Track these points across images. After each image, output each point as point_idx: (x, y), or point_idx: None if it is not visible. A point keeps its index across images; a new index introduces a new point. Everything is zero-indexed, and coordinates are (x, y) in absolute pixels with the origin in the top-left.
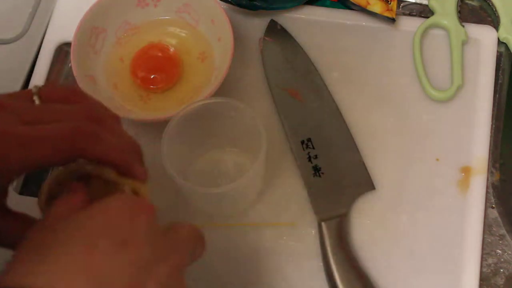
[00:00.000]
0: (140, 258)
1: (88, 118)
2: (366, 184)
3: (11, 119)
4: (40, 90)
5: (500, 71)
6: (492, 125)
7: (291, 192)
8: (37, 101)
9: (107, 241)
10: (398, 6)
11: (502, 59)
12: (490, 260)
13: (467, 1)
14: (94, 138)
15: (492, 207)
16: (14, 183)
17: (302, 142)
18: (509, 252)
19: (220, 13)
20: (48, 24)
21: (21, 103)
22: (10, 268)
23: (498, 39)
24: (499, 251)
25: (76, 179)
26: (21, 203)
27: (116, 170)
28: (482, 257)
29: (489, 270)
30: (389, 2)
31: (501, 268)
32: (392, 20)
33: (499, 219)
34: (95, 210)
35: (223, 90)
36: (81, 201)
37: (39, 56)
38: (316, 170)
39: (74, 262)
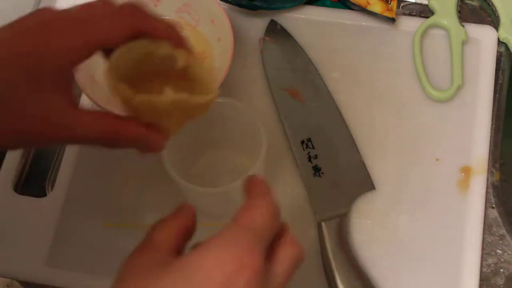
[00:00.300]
0: None
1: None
2: (366, 184)
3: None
4: None
5: (500, 71)
6: (492, 125)
7: (291, 192)
8: None
9: None
10: (398, 6)
11: (502, 59)
12: (490, 260)
13: (467, 1)
14: (147, 13)
15: (492, 207)
16: (15, 183)
17: (302, 142)
18: (509, 252)
19: (220, 13)
20: None
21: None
22: None
23: (498, 39)
24: (499, 251)
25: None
26: (21, 203)
27: (171, 42)
28: (482, 257)
29: (489, 270)
30: (389, 2)
31: (501, 268)
32: (392, 20)
33: (499, 219)
34: (191, 268)
35: (223, 90)
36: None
37: None
38: (316, 170)
39: None
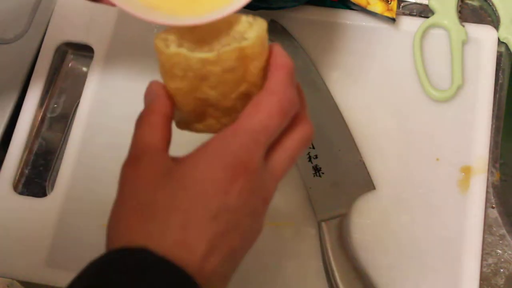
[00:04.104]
0: (229, 226)
1: None
2: (366, 184)
3: None
4: None
5: (500, 71)
6: (492, 125)
7: (291, 192)
8: None
9: (198, 216)
10: (398, 6)
11: (502, 59)
12: (490, 260)
13: (467, 1)
14: None
15: (492, 207)
16: (15, 183)
17: None
18: (509, 252)
19: None
20: (48, 24)
21: None
22: (118, 226)
23: (498, 39)
24: (499, 251)
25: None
26: (21, 203)
27: None
28: (482, 257)
29: (489, 270)
30: (389, 2)
31: (501, 268)
32: (392, 20)
33: (499, 219)
34: (188, 179)
35: None
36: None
37: (39, 56)
38: (316, 170)
39: (171, 232)
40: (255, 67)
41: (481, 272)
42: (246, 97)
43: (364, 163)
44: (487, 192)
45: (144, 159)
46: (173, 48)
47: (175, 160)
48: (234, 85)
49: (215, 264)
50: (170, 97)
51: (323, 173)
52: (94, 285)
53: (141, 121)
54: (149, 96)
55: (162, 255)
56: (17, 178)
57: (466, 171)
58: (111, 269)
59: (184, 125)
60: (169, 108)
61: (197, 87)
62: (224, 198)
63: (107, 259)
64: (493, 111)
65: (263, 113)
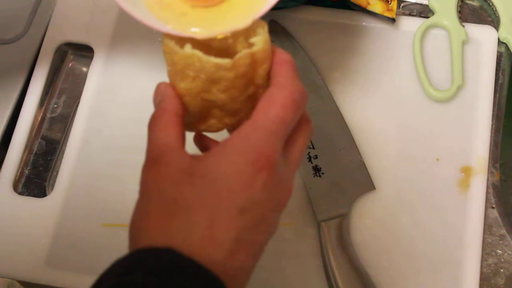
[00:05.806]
0: (255, 220)
1: None
2: (366, 184)
3: None
4: None
5: (500, 71)
6: (492, 125)
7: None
8: None
9: (225, 212)
10: (398, 6)
11: (502, 59)
12: (490, 260)
13: (467, 1)
14: None
15: (492, 207)
16: (15, 183)
17: None
18: (509, 252)
19: None
20: (48, 24)
21: None
22: (143, 226)
23: (498, 39)
24: (499, 251)
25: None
26: (21, 203)
27: None
28: (482, 257)
29: (489, 270)
30: (389, 2)
31: (501, 268)
32: (392, 20)
33: (499, 219)
34: (212, 175)
35: None
36: (186, 164)
37: (39, 56)
38: (316, 170)
39: (198, 229)
40: (263, 69)
41: (481, 272)
42: (251, 98)
43: (364, 163)
44: (487, 192)
45: (164, 159)
46: (188, 49)
47: (195, 157)
48: (243, 88)
49: (241, 260)
50: (179, 97)
51: (323, 173)
52: (120, 283)
53: (154, 122)
54: (159, 97)
55: (188, 255)
56: (17, 178)
57: (466, 171)
58: (137, 268)
59: (186, 126)
60: (180, 107)
61: (207, 89)
62: (250, 192)
63: (133, 259)
64: (493, 111)
65: (278, 106)
